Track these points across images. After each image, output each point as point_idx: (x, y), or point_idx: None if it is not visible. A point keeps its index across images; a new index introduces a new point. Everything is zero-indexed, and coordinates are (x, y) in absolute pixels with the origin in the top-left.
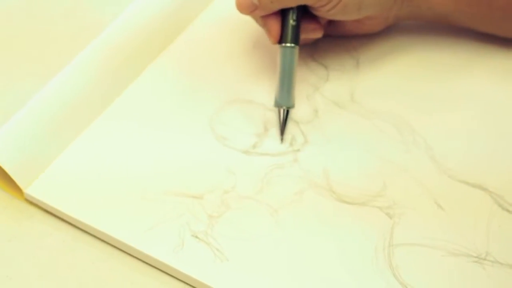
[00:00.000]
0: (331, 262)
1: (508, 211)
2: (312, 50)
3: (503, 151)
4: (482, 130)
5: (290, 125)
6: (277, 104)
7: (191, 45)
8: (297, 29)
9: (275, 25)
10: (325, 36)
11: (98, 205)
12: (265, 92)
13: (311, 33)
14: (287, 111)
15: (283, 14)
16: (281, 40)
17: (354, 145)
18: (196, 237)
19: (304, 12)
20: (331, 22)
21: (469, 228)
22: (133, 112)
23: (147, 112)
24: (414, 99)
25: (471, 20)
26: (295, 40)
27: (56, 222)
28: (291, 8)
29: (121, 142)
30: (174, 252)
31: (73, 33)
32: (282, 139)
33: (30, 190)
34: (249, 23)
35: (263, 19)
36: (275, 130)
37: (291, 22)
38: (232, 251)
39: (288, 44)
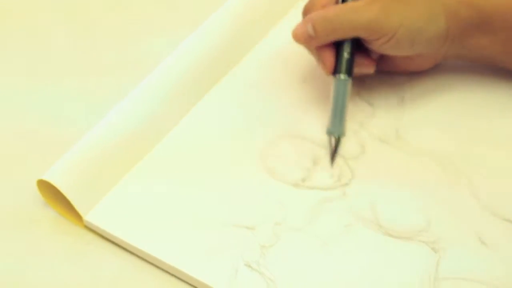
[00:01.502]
0: None
1: None
2: (359, 88)
3: None
4: None
5: (338, 160)
6: (329, 132)
7: (244, 79)
8: (351, 62)
9: (330, 56)
10: (376, 71)
11: (155, 233)
12: (315, 127)
13: (364, 68)
14: (339, 139)
15: (337, 46)
16: (335, 71)
17: (400, 181)
18: (249, 266)
19: (358, 47)
20: (381, 57)
21: (511, 264)
22: (188, 143)
23: (202, 144)
24: (457, 136)
25: None
26: (349, 72)
27: (114, 249)
28: (346, 41)
29: (177, 172)
30: (229, 280)
31: (125, 65)
32: (332, 165)
33: (89, 217)
34: (300, 57)
35: (317, 50)
36: (324, 164)
37: (345, 54)
38: (284, 281)
39: (342, 76)
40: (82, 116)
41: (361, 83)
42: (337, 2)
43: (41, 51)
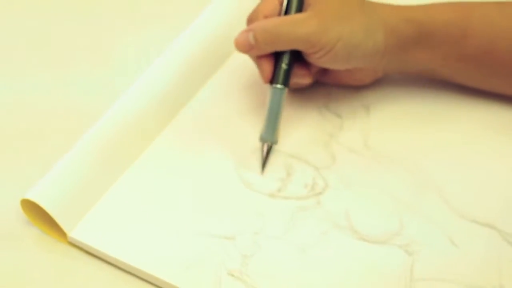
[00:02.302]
0: None
1: None
2: (326, 100)
3: (507, 192)
4: (489, 173)
5: (311, 171)
6: (262, 139)
7: (214, 98)
8: (288, 73)
9: (268, 66)
10: (318, 83)
11: (139, 246)
12: (287, 140)
13: (300, 78)
14: (270, 146)
15: (276, 56)
16: (272, 80)
17: (371, 188)
18: (232, 275)
19: (297, 58)
20: (325, 70)
21: (482, 263)
22: (166, 158)
23: (180, 158)
24: (423, 143)
25: (458, 75)
26: (285, 82)
27: (99, 264)
28: (285, 52)
29: (157, 186)
30: None
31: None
32: (262, 171)
33: (73, 234)
34: None
35: (257, 59)
36: (297, 175)
37: (283, 65)
38: (266, 287)
39: (278, 86)
40: (65, 136)
41: (328, 96)
42: (280, 14)
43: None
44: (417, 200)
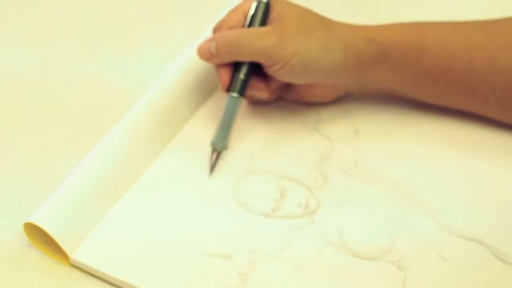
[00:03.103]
0: None
1: (503, 261)
2: (316, 123)
3: (494, 207)
4: (475, 190)
5: (304, 191)
6: (213, 144)
7: (208, 121)
8: (244, 83)
9: (226, 75)
10: (281, 99)
11: (141, 266)
12: (279, 161)
13: (257, 91)
14: (220, 152)
15: (235, 67)
16: (228, 89)
17: (362, 206)
18: None
19: (257, 71)
20: (287, 87)
21: (471, 277)
22: (165, 181)
23: (177, 182)
24: (410, 162)
25: (416, 93)
26: (241, 92)
27: (100, 284)
28: (244, 63)
29: (157, 208)
30: None
31: (103, 111)
32: (210, 175)
33: (75, 255)
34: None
35: (217, 68)
36: (291, 195)
37: (241, 75)
38: None
39: (234, 94)
40: (65, 160)
41: (318, 118)
42: (243, 26)
43: None
44: (407, 218)
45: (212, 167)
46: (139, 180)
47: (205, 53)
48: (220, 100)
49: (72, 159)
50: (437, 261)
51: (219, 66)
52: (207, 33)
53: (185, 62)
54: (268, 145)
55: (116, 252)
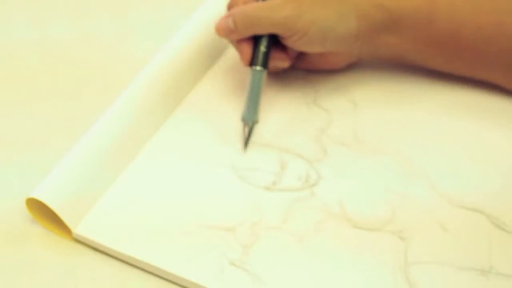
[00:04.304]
0: (355, 281)
1: (504, 230)
2: (314, 97)
3: (494, 176)
4: (475, 159)
5: (304, 164)
6: (244, 119)
7: (209, 95)
8: (266, 55)
9: (248, 49)
10: (295, 68)
11: (143, 239)
12: (279, 135)
13: (278, 61)
14: (252, 125)
15: (255, 40)
16: (251, 63)
17: (363, 178)
18: (234, 264)
19: (275, 42)
20: (301, 55)
21: (472, 246)
22: (166, 155)
23: (179, 156)
24: (409, 133)
25: (426, 60)
26: (264, 64)
27: (105, 258)
28: (263, 36)
29: (159, 181)
30: (216, 278)
31: (100, 88)
32: (245, 150)
33: (78, 230)
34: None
35: (237, 43)
36: (291, 168)
37: (262, 48)
38: (267, 274)
39: (258, 68)
40: (61, 143)
41: (316, 92)
42: (257, 0)
43: None
44: (407, 189)
45: (246, 142)
46: (141, 153)
47: (223, 30)
48: (224, 68)
49: (74, 133)
50: (438, 231)
51: (239, 41)
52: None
53: (189, 31)
54: (267, 119)
55: (118, 226)
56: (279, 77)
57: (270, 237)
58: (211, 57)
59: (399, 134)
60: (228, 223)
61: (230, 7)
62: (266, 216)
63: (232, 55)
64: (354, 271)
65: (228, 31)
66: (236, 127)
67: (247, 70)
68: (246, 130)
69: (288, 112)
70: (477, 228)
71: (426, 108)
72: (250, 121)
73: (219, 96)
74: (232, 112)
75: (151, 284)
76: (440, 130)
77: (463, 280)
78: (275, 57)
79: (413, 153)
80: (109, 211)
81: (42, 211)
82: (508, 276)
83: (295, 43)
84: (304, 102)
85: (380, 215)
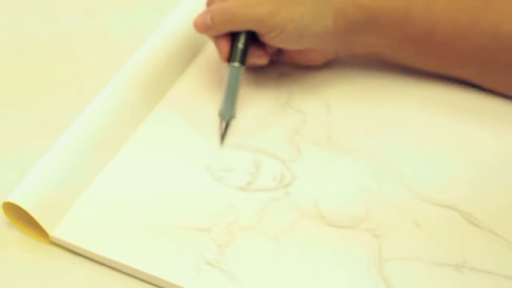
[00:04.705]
0: (329, 278)
1: (476, 225)
2: (288, 98)
3: (466, 173)
4: (447, 156)
5: (278, 164)
6: (221, 114)
7: (186, 95)
8: (244, 52)
9: (225, 45)
10: (273, 62)
11: (120, 241)
12: (253, 136)
13: (257, 58)
14: (229, 120)
15: (233, 37)
16: (229, 59)
17: (336, 177)
18: (210, 264)
19: (254, 39)
20: (279, 51)
21: (446, 242)
22: (141, 157)
23: (154, 158)
24: (383, 131)
25: (402, 57)
26: (242, 61)
27: (81, 261)
28: (241, 32)
29: (135, 183)
30: (193, 278)
31: (79, 91)
32: (221, 144)
33: (55, 233)
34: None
35: (215, 39)
36: (265, 169)
37: (239, 45)
38: (242, 274)
39: (235, 64)
40: (40, 141)
41: (290, 93)
42: None
43: None
44: (381, 187)
45: (223, 136)
46: (118, 154)
47: (201, 26)
48: (204, 64)
49: (52, 134)
50: (411, 228)
51: (217, 37)
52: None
53: (168, 28)
54: (241, 120)
55: (95, 228)
56: (253, 78)
57: (246, 237)
58: (191, 53)
59: (373, 133)
60: (203, 223)
61: (209, 4)
62: (242, 216)
63: (211, 51)
64: (329, 269)
65: (206, 27)
66: (214, 125)
67: (226, 67)
68: (223, 125)
69: (262, 113)
70: (450, 224)
71: (399, 106)
72: (227, 116)
73: (198, 93)
74: (210, 109)
75: (129, 285)
76: (413, 128)
77: (438, 276)
78: (253, 54)
79: (387, 151)
80: (86, 214)
81: (19, 215)
82: (482, 271)
83: (272, 40)
84: (278, 103)
85: (354, 213)
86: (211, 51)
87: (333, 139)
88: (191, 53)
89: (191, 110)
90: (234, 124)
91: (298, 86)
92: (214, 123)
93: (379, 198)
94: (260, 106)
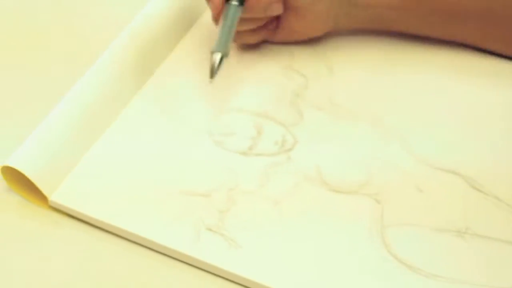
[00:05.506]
0: (331, 243)
1: (479, 190)
2: (290, 61)
3: (470, 138)
4: (450, 121)
5: (280, 128)
6: (214, 50)
7: (185, 61)
8: None
9: None
10: (270, 42)
11: (119, 206)
12: (254, 100)
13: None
14: (222, 58)
15: None
16: None
17: (339, 142)
18: (210, 229)
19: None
20: (276, 26)
21: (448, 207)
22: (141, 121)
23: (154, 122)
24: (386, 96)
25: (403, 20)
26: (241, 1)
27: (80, 225)
28: None
29: (135, 148)
30: (193, 243)
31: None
32: (211, 79)
33: (54, 197)
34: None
35: None
36: (267, 133)
37: None
38: (243, 239)
39: (234, 2)
40: (38, 108)
41: (292, 57)
42: None
43: None
44: (383, 151)
45: (215, 71)
46: (117, 120)
47: None
48: (205, 29)
49: (50, 100)
50: (414, 193)
51: None
52: None
53: None
54: (243, 84)
55: (94, 193)
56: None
57: (246, 202)
58: (191, 18)
59: (376, 98)
60: (204, 188)
61: None
62: (243, 181)
63: (210, 18)
64: (330, 234)
65: None
66: (215, 89)
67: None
68: (214, 60)
69: (264, 77)
70: (453, 190)
71: (402, 71)
72: (221, 52)
73: (199, 57)
74: (201, 83)
75: (127, 250)
76: (416, 92)
77: (439, 241)
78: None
79: (390, 116)
80: (85, 178)
81: (17, 179)
82: (484, 237)
83: None
84: (280, 67)
85: (356, 178)
86: (209, 18)
87: (336, 103)
88: (191, 18)
89: (192, 75)
90: (236, 88)
91: (301, 50)
92: (215, 88)
93: (382, 163)
94: (262, 69)
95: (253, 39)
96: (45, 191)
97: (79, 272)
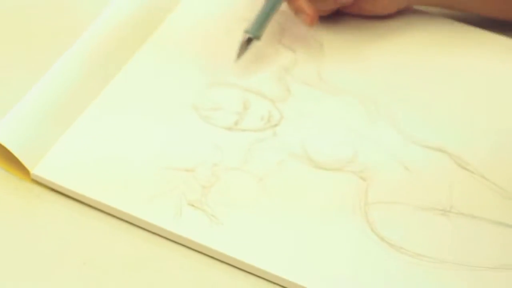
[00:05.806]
0: (313, 221)
1: (465, 169)
2: (280, 36)
3: (458, 116)
4: (438, 98)
5: (267, 104)
6: (247, 31)
7: (170, 36)
8: None
9: None
10: (343, 14)
11: (101, 180)
12: (242, 74)
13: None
14: (252, 40)
15: None
16: None
17: (325, 119)
18: (192, 205)
19: None
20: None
21: (434, 185)
22: (126, 96)
23: (138, 96)
24: (374, 74)
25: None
26: None
27: (62, 199)
28: None
29: (118, 122)
30: (174, 219)
31: (64, 29)
32: (237, 59)
33: (36, 170)
34: (221, 15)
35: None
36: (254, 108)
37: None
38: (225, 216)
39: None
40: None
41: (282, 32)
42: None
43: None
44: (369, 129)
45: (241, 52)
46: (101, 94)
47: None
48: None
49: (33, 74)
50: (400, 171)
51: None
52: None
53: None
54: (231, 59)
55: (77, 167)
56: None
57: (230, 178)
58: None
59: (365, 75)
60: (188, 163)
61: None
62: (227, 156)
63: None
64: (313, 211)
65: None
66: (202, 64)
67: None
68: (244, 40)
69: (253, 51)
70: (439, 168)
71: (392, 48)
72: (252, 34)
73: (187, 32)
74: (200, 47)
75: (108, 225)
76: (404, 70)
77: (423, 220)
78: None
79: (377, 94)
80: (67, 152)
81: (0, 153)
82: (469, 216)
83: None
84: (270, 42)
85: (341, 155)
86: None
87: (324, 79)
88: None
89: (180, 48)
90: (223, 61)
91: (291, 24)
92: (202, 62)
93: (368, 140)
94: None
95: (324, 10)
96: (27, 165)
97: (61, 245)
